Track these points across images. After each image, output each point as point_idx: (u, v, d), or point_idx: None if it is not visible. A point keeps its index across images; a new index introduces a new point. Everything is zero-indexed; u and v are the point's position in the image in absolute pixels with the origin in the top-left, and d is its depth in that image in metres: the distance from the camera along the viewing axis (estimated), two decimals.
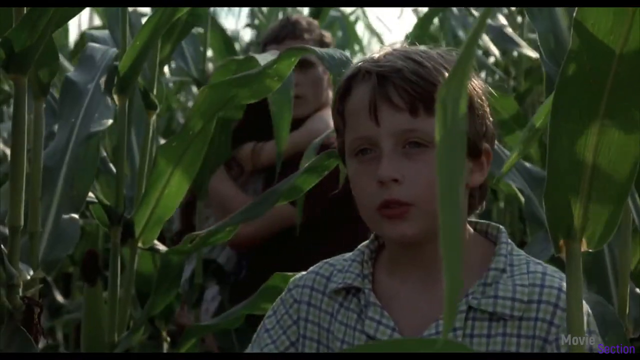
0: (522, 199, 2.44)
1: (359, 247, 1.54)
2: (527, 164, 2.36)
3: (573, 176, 1.09)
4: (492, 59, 4.64)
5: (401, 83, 1.39)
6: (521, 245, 3.22)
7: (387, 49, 1.47)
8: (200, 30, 3.44)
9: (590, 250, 1.10)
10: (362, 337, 1.45)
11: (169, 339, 2.46)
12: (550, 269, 1.44)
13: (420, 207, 1.38)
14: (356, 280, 1.48)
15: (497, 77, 4.46)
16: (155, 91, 2.14)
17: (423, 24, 4.18)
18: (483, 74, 4.49)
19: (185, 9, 2.03)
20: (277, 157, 2.92)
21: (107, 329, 2.08)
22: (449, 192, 0.66)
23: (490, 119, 1.47)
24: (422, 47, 1.47)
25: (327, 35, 3.26)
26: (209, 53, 4.58)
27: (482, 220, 1.52)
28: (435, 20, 4.67)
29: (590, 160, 1.08)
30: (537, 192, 2.41)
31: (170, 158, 2.01)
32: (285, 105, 2.68)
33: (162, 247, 2.17)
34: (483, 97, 1.46)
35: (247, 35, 6.60)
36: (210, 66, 4.26)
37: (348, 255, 1.54)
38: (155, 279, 2.14)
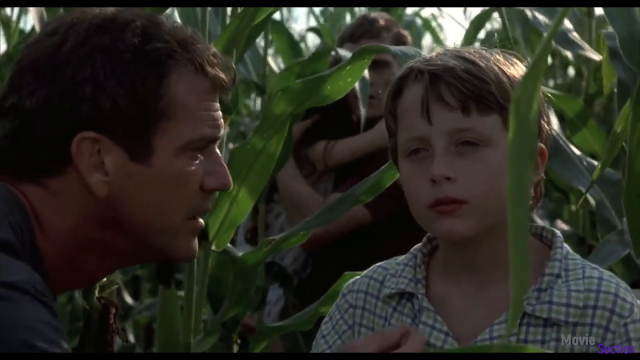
0: (593, 202, 2.41)
1: (412, 250, 1.53)
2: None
3: None
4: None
5: (453, 81, 1.38)
6: (590, 250, 3.17)
7: (440, 50, 1.47)
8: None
9: None
10: None
11: (239, 341, 2.47)
12: (607, 274, 1.42)
13: (473, 205, 1.37)
14: (409, 285, 1.48)
15: (571, 76, 4.41)
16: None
17: (476, 25, 4.14)
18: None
19: (267, 12, 2.02)
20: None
21: (182, 330, 2.10)
22: (519, 189, 0.68)
23: (545, 118, 1.45)
24: (476, 47, 1.47)
25: (406, 35, 3.19)
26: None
27: (536, 224, 1.50)
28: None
29: None
30: (609, 196, 2.38)
31: (243, 161, 2.02)
32: None
33: (234, 250, 2.19)
34: None
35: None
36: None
37: (401, 258, 1.54)
38: (231, 282, 2.15)
